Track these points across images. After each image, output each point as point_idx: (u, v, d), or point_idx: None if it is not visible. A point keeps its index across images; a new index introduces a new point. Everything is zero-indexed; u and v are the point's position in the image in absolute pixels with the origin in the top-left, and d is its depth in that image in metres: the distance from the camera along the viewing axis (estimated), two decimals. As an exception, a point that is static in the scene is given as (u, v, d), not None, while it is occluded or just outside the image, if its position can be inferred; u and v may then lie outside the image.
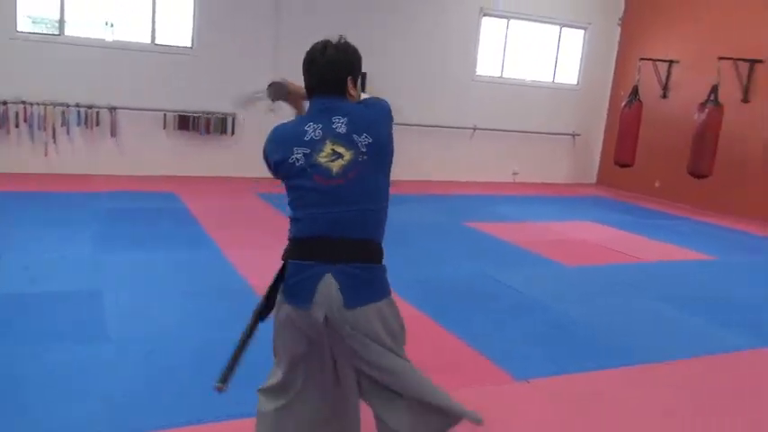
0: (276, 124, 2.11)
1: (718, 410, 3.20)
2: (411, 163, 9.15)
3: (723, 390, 3.44)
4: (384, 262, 2.05)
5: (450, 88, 9.97)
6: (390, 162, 2.08)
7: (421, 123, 9.68)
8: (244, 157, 8.67)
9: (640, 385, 3.42)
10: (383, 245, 2.07)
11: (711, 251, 6.76)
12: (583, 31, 10.98)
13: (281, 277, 2.05)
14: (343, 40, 2.08)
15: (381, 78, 8.28)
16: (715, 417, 3.14)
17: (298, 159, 1.98)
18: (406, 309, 2.28)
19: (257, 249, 5.40)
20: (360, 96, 2.12)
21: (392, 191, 2.12)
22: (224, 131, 8.74)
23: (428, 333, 3.86)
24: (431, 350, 3.53)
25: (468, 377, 3.34)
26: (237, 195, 7.71)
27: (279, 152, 2.02)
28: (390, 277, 2.08)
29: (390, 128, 2.09)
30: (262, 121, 9.01)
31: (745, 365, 3.83)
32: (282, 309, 2.06)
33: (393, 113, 2.14)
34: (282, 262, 2.05)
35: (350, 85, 2.06)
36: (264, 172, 2.16)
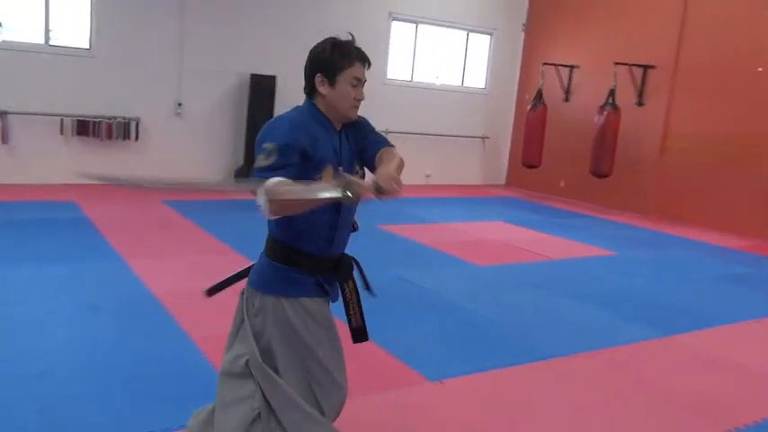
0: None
1: (622, 401, 3.34)
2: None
3: (627, 381, 3.60)
4: (276, 260, 2.10)
5: (361, 92, 9.98)
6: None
7: (333, 127, 9.63)
8: (149, 163, 8.36)
9: (545, 380, 3.52)
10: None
11: (612, 247, 7.10)
12: (489, 37, 11.30)
13: None
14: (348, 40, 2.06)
15: (292, 79, 8.17)
16: (619, 407, 3.27)
17: None
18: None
19: (163, 259, 5.20)
20: (336, 96, 2.03)
21: None
22: (127, 137, 8.37)
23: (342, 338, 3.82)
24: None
25: (381, 380, 3.33)
26: (142, 203, 7.39)
27: None
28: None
29: (266, 134, 1.93)
30: (167, 126, 8.82)
31: (646, 356, 4.02)
32: None
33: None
34: None
35: (317, 81, 2.01)
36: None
